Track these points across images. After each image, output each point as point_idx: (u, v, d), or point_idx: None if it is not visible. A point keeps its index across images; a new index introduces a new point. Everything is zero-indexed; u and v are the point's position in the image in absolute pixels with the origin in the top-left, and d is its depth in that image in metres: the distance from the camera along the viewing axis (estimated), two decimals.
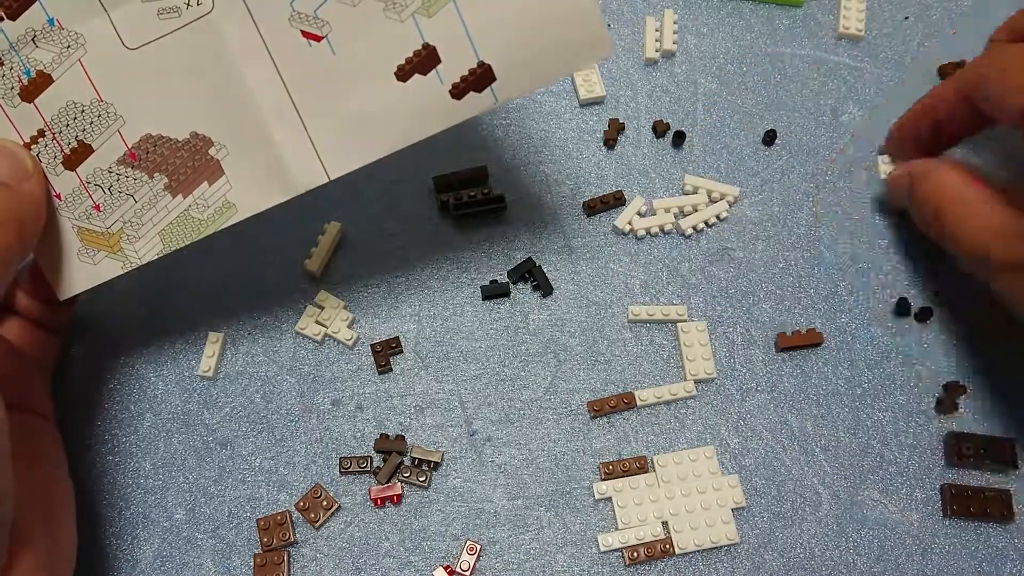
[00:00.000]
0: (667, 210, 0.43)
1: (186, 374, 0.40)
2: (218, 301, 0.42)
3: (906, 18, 0.48)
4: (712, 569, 0.37)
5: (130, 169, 0.34)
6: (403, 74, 0.33)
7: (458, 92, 0.33)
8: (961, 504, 0.37)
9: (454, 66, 0.32)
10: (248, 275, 0.42)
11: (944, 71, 0.46)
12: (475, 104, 0.33)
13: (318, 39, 0.32)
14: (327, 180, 0.34)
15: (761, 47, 0.47)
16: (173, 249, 0.35)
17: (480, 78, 0.32)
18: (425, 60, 0.32)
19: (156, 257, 0.35)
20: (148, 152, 0.33)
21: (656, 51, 0.46)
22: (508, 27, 0.32)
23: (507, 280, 0.42)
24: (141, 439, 0.39)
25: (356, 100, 0.33)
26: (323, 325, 0.41)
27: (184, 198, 0.34)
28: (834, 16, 0.48)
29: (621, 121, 0.45)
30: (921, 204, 0.39)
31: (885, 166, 0.44)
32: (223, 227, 0.34)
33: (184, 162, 0.34)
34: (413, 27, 0.32)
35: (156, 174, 0.34)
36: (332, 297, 0.41)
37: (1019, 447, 0.39)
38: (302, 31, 0.32)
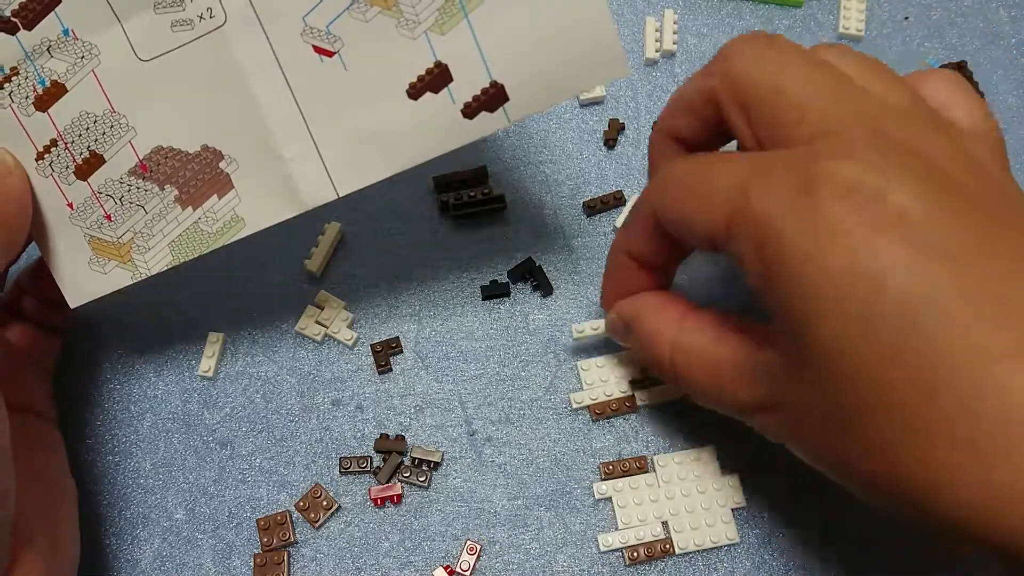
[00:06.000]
0: None
1: (186, 374, 0.41)
2: (218, 301, 0.42)
3: (906, 18, 0.48)
4: (712, 569, 0.37)
5: (141, 180, 0.34)
6: (414, 92, 0.33)
7: (470, 112, 0.33)
8: None
9: (466, 85, 0.33)
10: (248, 275, 0.43)
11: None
12: (487, 124, 0.33)
13: (330, 54, 0.33)
14: (336, 197, 0.34)
15: None
16: (182, 261, 0.35)
17: (493, 98, 0.33)
18: (437, 78, 0.33)
19: (165, 268, 0.36)
20: (159, 164, 0.34)
21: (656, 51, 0.47)
22: (522, 47, 0.32)
23: (507, 280, 0.42)
24: (141, 439, 0.40)
25: (367, 117, 0.33)
26: (323, 325, 0.41)
27: (194, 211, 0.35)
28: (834, 16, 0.48)
29: (621, 121, 0.45)
30: (646, 360, 0.35)
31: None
32: (231, 241, 0.35)
33: (194, 175, 0.34)
34: (425, 44, 0.32)
35: (167, 186, 0.34)
36: (332, 297, 0.41)
37: None
38: (314, 46, 0.33)
